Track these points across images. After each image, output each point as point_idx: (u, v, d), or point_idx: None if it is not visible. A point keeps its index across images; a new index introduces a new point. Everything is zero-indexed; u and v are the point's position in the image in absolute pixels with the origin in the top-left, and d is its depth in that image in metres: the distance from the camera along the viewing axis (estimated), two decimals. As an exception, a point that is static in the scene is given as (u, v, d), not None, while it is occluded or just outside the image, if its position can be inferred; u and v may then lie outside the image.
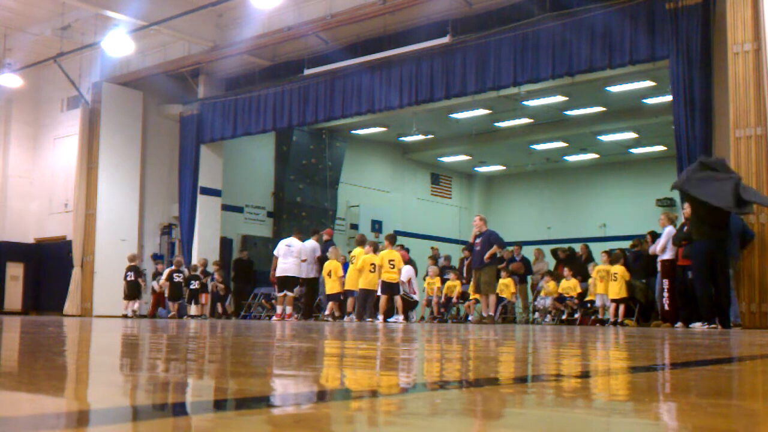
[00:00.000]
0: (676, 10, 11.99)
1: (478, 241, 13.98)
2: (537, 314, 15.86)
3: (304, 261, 15.50)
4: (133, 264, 17.59)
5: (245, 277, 19.49)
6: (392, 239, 15.38)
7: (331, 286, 15.40)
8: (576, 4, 13.39)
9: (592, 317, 14.79)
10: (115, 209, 18.99)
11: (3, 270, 20.49)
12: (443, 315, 16.73)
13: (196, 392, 2.11)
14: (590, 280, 14.76)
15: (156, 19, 16.36)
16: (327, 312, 15.52)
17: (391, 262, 14.64)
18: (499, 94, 16.76)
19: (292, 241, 15.48)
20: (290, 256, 15.28)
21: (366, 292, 14.73)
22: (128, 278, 17.45)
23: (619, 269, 13.79)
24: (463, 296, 16.25)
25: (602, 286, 14.08)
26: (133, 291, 17.44)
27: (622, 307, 13.76)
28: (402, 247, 16.95)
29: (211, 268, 18.37)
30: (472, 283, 14.79)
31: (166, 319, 15.70)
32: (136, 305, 17.50)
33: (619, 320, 13.66)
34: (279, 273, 15.33)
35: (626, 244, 16.52)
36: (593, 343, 5.84)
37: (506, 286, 15.67)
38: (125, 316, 17.31)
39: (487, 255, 13.77)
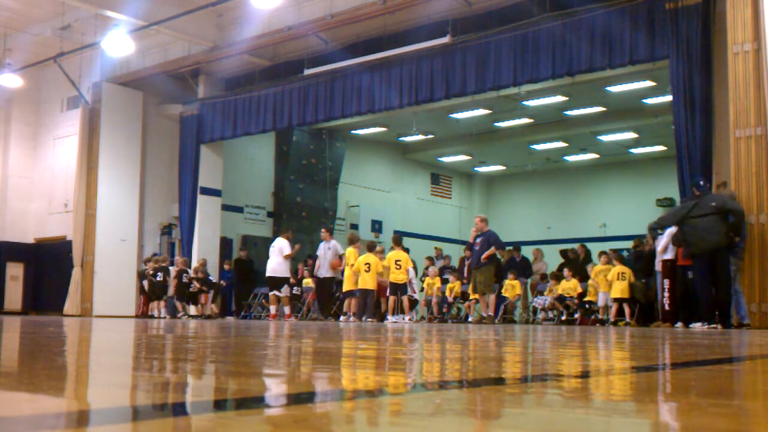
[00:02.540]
0: (676, 10, 11.98)
1: (478, 240, 13.98)
2: (541, 314, 15.81)
3: (287, 258, 15.42)
4: (163, 265, 17.68)
5: (246, 276, 19.49)
6: (398, 240, 15.38)
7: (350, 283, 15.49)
8: (576, 4, 13.38)
9: (592, 317, 14.79)
10: (115, 209, 18.98)
11: (3, 270, 20.48)
12: (443, 315, 16.72)
13: (195, 392, 2.11)
14: (590, 281, 14.74)
15: (156, 19, 16.36)
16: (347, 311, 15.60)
17: (398, 263, 14.66)
18: (499, 94, 16.75)
19: (277, 241, 15.65)
20: (273, 255, 15.38)
21: (365, 292, 14.74)
22: (157, 278, 17.54)
23: (627, 270, 13.81)
24: (463, 296, 16.25)
25: (605, 285, 14.07)
26: (161, 292, 17.54)
27: (624, 307, 13.75)
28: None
29: (210, 269, 18.36)
30: (471, 283, 14.80)
31: (210, 320, 15.58)
32: (158, 306, 17.64)
33: (619, 320, 13.66)
34: (267, 273, 15.46)
35: (626, 244, 16.46)
36: (593, 343, 5.84)
37: (512, 287, 15.65)
38: (151, 316, 17.34)
39: (484, 255, 13.77)
